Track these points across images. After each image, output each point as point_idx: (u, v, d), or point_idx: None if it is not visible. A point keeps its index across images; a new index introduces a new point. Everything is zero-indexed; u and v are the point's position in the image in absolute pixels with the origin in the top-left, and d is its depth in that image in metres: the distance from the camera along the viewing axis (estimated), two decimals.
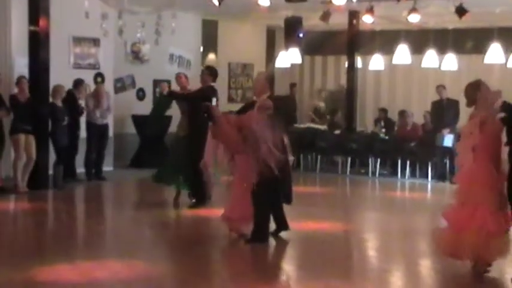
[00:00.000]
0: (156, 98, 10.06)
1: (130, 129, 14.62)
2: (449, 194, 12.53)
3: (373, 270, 7.18)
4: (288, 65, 16.92)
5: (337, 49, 17.59)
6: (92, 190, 11.87)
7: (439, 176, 13.52)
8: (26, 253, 7.35)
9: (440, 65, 15.64)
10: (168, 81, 15.53)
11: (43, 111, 11.25)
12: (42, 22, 11.22)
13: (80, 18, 11.99)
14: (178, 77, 10.54)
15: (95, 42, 13.52)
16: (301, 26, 15.16)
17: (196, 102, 9.22)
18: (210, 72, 10.00)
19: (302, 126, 16.76)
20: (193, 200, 9.80)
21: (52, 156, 11.56)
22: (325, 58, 19.72)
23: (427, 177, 13.56)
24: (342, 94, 16.96)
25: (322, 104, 17.91)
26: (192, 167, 9.19)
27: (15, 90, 11.24)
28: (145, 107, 15.25)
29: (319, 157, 14.80)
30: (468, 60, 16.62)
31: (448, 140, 13.32)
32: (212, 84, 9.80)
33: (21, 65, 11.68)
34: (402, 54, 15.24)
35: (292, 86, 17.74)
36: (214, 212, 9.03)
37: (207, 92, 9.57)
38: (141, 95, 15.36)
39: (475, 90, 6.83)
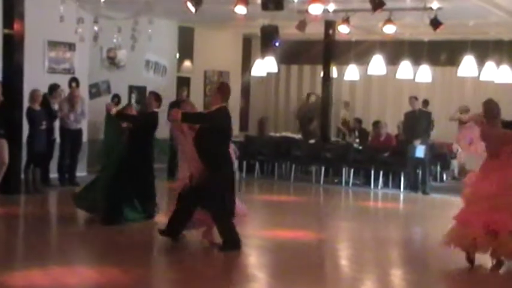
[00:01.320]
0: (104, 123, 9.20)
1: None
2: (421, 204, 12.70)
3: (345, 279, 7.22)
4: (264, 74, 16.97)
5: (313, 58, 17.71)
6: (65, 195, 11.76)
7: (411, 186, 13.65)
8: None
9: (414, 77, 15.82)
10: (144, 88, 15.56)
11: (16, 116, 11.14)
12: (17, 25, 11.13)
13: (55, 22, 11.90)
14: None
15: (70, 46, 13.45)
16: (278, 34, 15.21)
17: (139, 130, 9.18)
18: (156, 97, 9.58)
19: (277, 135, 16.82)
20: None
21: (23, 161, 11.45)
22: (301, 67, 19.83)
23: (399, 187, 13.68)
24: (317, 103, 17.05)
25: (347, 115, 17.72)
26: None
27: None
28: None
29: (293, 166, 14.85)
30: (442, 72, 16.86)
31: (420, 151, 13.46)
32: (157, 110, 9.50)
33: None
34: (377, 64, 15.38)
35: (309, 95, 17.60)
36: None
37: (152, 120, 9.38)
38: (116, 100, 15.26)
39: (496, 106, 7.53)
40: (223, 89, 8.07)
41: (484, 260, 7.47)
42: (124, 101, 15.41)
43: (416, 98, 14.01)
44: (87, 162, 13.60)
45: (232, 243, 7.79)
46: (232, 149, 8.29)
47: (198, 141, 7.74)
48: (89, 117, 13.46)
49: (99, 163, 9.88)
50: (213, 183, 7.66)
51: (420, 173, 13.57)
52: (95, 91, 14.68)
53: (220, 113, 7.83)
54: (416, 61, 15.74)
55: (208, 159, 7.69)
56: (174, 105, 8.59)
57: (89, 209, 9.38)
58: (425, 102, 15.21)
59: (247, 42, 19.15)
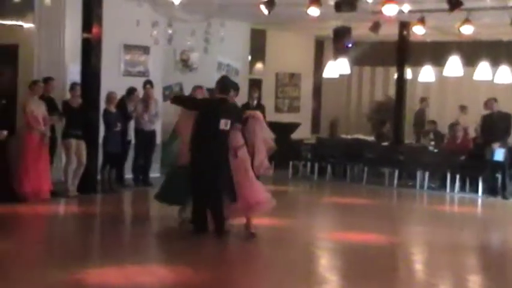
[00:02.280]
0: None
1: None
2: (500, 209, 12.31)
3: (419, 284, 7.06)
4: (336, 75, 16.86)
5: (386, 60, 17.46)
6: (140, 195, 12.00)
7: (490, 190, 13.23)
8: (75, 256, 7.47)
9: (493, 78, 15.37)
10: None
11: (94, 117, 11.44)
12: (95, 29, 11.42)
13: (131, 26, 12.17)
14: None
15: (145, 50, 13.70)
16: (350, 36, 15.08)
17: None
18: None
19: (349, 137, 16.65)
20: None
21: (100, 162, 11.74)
22: (373, 69, 19.60)
23: (477, 191, 13.29)
24: (390, 105, 16.80)
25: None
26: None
27: (68, 96, 11.46)
28: None
29: (366, 168, 14.67)
30: None
31: (499, 154, 13.05)
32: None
33: (74, 72, 11.90)
34: (453, 66, 15.03)
35: (422, 100, 16.97)
36: (262, 220, 9.03)
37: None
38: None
39: None
40: (218, 82, 8.95)
41: None
42: None
43: (495, 100, 13.59)
44: (161, 163, 13.82)
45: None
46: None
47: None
48: (162, 119, 13.67)
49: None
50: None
51: (500, 177, 13.15)
52: (169, 93, 14.90)
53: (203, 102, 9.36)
54: (495, 62, 15.28)
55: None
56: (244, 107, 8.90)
57: (175, 202, 9.25)
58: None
59: (319, 44, 19.07)
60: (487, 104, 13.63)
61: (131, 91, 12.29)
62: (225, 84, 8.88)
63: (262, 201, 8.46)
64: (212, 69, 15.71)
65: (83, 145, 11.14)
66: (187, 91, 15.33)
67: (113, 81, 12.28)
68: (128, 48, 13.48)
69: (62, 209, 10.59)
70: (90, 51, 11.46)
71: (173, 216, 9.09)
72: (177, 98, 9.50)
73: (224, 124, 8.35)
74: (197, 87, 11.08)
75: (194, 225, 8.52)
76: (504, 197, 12.97)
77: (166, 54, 14.32)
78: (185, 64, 15.20)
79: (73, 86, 11.36)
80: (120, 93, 12.15)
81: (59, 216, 10.29)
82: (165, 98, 14.59)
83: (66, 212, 10.57)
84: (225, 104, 8.61)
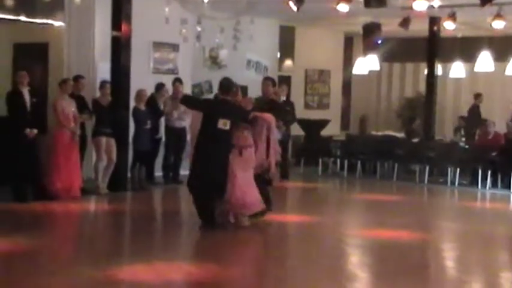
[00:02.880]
0: None
1: None
2: None
3: (451, 281, 6.98)
4: (366, 72, 16.76)
5: (416, 56, 17.30)
6: (170, 193, 12.06)
7: None
8: (106, 253, 7.54)
9: None
10: (245, 87, 15.68)
11: (123, 115, 11.51)
12: (124, 27, 11.49)
13: (160, 24, 12.19)
14: None
15: (174, 47, 13.75)
16: (380, 32, 14.96)
17: None
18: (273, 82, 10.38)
19: (379, 133, 16.55)
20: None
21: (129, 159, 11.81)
22: (403, 65, 19.44)
23: (509, 188, 13.10)
24: (420, 102, 16.65)
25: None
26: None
27: (98, 94, 11.55)
28: None
29: (396, 165, 14.55)
30: None
31: None
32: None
33: (103, 70, 11.98)
34: (485, 61, 14.85)
35: (477, 96, 16.20)
36: (289, 217, 9.00)
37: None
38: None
39: None
40: (220, 83, 9.21)
41: None
42: None
43: None
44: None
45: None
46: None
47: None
48: (190, 117, 13.69)
49: None
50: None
51: None
52: (198, 91, 14.95)
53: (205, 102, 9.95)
54: None
55: None
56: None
57: None
58: None
59: (348, 40, 18.97)
60: None
61: (160, 87, 12.33)
62: (225, 84, 9.10)
63: (248, 205, 8.69)
64: (241, 67, 15.72)
65: (113, 143, 11.22)
66: (216, 89, 15.36)
67: (142, 79, 12.35)
68: (157, 45, 13.54)
69: (92, 207, 10.68)
70: (120, 49, 11.53)
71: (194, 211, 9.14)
72: (184, 98, 9.88)
73: (223, 124, 8.60)
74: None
75: (201, 220, 8.75)
76: None
77: (195, 52, 14.35)
78: (214, 61, 15.22)
79: (103, 84, 11.45)
80: (150, 91, 12.21)
81: (90, 214, 10.39)
82: (194, 95, 14.63)
83: (96, 209, 10.66)
84: (226, 104, 8.86)
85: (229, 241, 8.40)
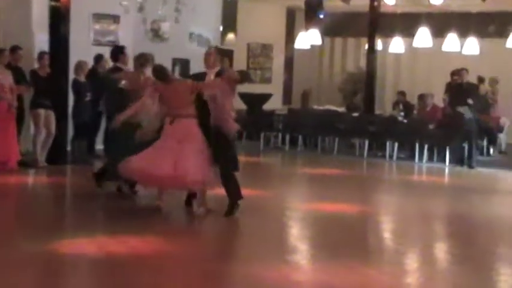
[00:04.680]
0: None
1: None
2: (467, 178, 12.51)
3: (388, 252, 7.18)
4: (308, 46, 16.86)
5: (358, 31, 17.49)
6: None
7: (457, 160, 13.44)
8: (46, 226, 7.43)
9: (461, 49, 15.50)
10: (187, 60, 15.59)
11: (63, 87, 11.30)
12: None
13: None
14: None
15: (115, 19, 13.52)
16: (322, 6, 15.06)
17: None
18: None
19: (321, 108, 16.73)
20: None
21: (71, 132, 11.64)
22: (345, 40, 19.62)
23: (444, 161, 13.49)
24: (362, 76, 16.88)
25: None
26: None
27: (36, 65, 11.29)
28: None
29: (337, 139, 14.76)
30: (490, 44, 16.47)
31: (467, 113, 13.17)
32: None
33: (42, 41, 11.72)
34: (423, 37, 15.13)
35: (480, 80, 15.57)
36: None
37: None
38: None
39: None
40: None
41: None
42: None
43: (467, 71, 13.70)
44: None
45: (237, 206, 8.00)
46: None
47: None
48: None
49: None
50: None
51: (467, 147, 13.35)
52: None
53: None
54: (464, 33, 15.40)
55: None
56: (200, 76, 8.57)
57: None
58: (481, 80, 14.92)
59: (291, 14, 19.02)
60: (460, 74, 13.75)
61: (99, 58, 12.14)
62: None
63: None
64: (184, 40, 15.57)
65: (51, 115, 11.01)
66: (158, 61, 15.17)
67: (82, 51, 12.11)
68: (97, 17, 13.29)
69: (30, 180, 10.50)
70: (59, 19, 11.28)
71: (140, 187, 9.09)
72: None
73: None
74: None
75: None
76: (470, 166, 13.18)
77: (137, 24, 14.14)
78: (156, 34, 15.03)
79: (41, 55, 11.19)
80: (91, 63, 12.00)
81: (28, 187, 10.21)
82: (135, 68, 14.43)
83: (35, 182, 10.49)
84: None
85: (173, 215, 8.40)
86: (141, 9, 12.21)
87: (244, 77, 8.51)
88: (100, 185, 9.10)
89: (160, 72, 8.28)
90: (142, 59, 9.00)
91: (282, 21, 18.78)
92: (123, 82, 8.79)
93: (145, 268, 5.98)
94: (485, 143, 15.08)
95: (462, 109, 13.22)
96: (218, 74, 8.13)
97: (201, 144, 7.89)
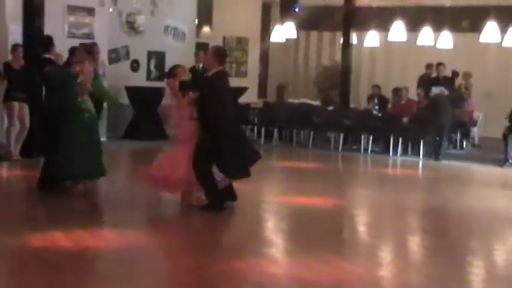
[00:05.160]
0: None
1: (124, 100, 14.58)
2: (440, 171, 12.65)
3: (363, 245, 7.24)
4: (283, 40, 16.88)
5: (333, 25, 17.56)
6: None
7: (430, 153, 13.58)
8: (19, 220, 7.39)
9: (435, 43, 15.63)
10: (163, 53, 15.55)
11: (37, 80, 11.19)
12: None
13: None
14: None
15: (90, 11, 13.42)
16: (297, 0, 15.10)
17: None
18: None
19: (296, 101, 16.77)
20: None
21: None
22: (320, 33, 19.68)
23: (419, 154, 13.63)
24: (337, 70, 16.95)
25: None
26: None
27: (10, 57, 11.17)
28: (139, 79, 15.22)
29: (312, 133, 14.82)
30: (464, 38, 16.64)
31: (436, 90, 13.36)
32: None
33: (15, 33, 11.59)
34: (398, 31, 15.23)
35: (454, 74, 15.47)
36: None
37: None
38: (135, 66, 15.31)
39: None
40: (219, 53, 8.10)
41: None
42: (143, 66, 15.45)
43: (444, 65, 13.85)
44: (107, 127, 13.67)
45: (216, 203, 7.91)
46: None
47: (201, 108, 7.84)
48: (108, 83, 13.47)
49: None
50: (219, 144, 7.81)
51: (439, 140, 13.51)
52: (114, 56, 14.70)
53: (217, 77, 7.95)
54: (438, 27, 15.54)
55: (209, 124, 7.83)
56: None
57: None
58: (455, 74, 15.10)
59: (266, 8, 19.02)
60: (438, 68, 13.88)
61: (73, 51, 12.02)
62: None
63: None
64: (159, 33, 15.52)
65: (25, 108, 10.91)
66: (133, 54, 15.17)
67: (57, 43, 11.98)
68: (72, 9, 13.19)
69: (4, 173, 10.40)
70: (33, 12, 11.18)
71: (113, 181, 9.06)
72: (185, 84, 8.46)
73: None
74: None
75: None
76: (437, 159, 13.33)
77: (112, 17, 14.06)
78: (131, 27, 14.97)
79: (15, 47, 11.08)
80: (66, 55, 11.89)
81: (2, 180, 10.12)
82: (110, 61, 14.38)
83: (9, 175, 10.41)
84: None
85: (149, 210, 8.39)
86: (116, 1, 12.12)
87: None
88: (47, 189, 8.58)
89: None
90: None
91: (257, 14, 18.77)
92: (81, 77, 8.58)
93: (120, 262, 5.98)
94: (458, 136, 15.26)
95: (438, 89, 13.38)
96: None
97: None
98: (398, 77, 17.65)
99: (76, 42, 12.70)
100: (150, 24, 14.95)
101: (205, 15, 17.18)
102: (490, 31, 14.46)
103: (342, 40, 15.82)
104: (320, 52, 19.81)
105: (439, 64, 13.91)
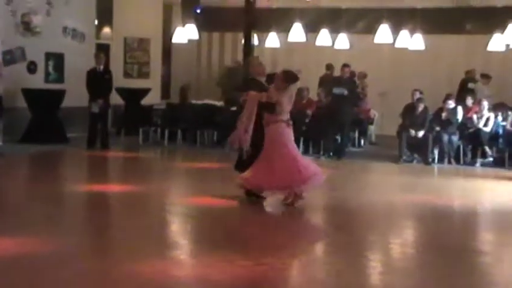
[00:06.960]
0: None
1: (21, 103, 14.15)
2: (339, 169, 12.98)
3: (266, 243, 7.31)
4: (185, 41, 16.86)
5: (234, 26, 17.69)
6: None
7: (330, 152, 13.90)
8: None
9: (333, 44, 16.04)
10: (61, 55, 15.19)
11: None
12: None
13: None
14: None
15: None
16: (198, 1, 15.10)
17: None
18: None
19: (199, 102, 16.78)
20: None
21: None
22: (222, 35, 19.77)
23: (319, 153, 13.93)
24: (239, 70, 17.07)
25: None
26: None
27: None
28: (36, 81, 14.81)
29: (215, 133, 14.87)
30: (360, 39, 17.18)
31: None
32: None
33: None
34: (297, 32, 15.51)
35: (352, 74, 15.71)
36: (110, 187, 8.90)
37: None
38: (32, 68, 14.87)
39: None
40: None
41: None
42: (40, 68, 15.03)
43: (349, 66, 14.22)
44: (3, 131, 13.22)
45: None
46: None
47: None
48: (4, 85, 13.04)
49: None
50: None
51: (339, 139, 13.87)
52: (9, 58, 14.21)
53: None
54: (335, 29, 15.96)
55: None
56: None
57: None
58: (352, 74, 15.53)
59: (167, 8, 18.92)
60: (342, 69, 14.24)
61: None
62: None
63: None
64: (57, 33, 15.15)
65: None
66: (30, 56, 14.72)
67: None
68: None
69: None
70: None
71: (17, 186, 8.78)
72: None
73: None
74: None
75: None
76: (340, 157, 13.70)
77: (6, 16, 13.59)
78: (27, 27, 14.52)
79: None
80: None
81: None
82: (5, 62, 13.90)
83: None
84: None
85: (47, 214, 8.19)
86: (9, 0, 11.72)
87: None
88: None
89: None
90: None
91: (159, 15, 18.65)
92: None
93: (18, 269, 5.81)
94: (356, 134, 15.73)
95: (338, 90, 13.73)
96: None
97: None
98: (301, 77, 17.92)
99: None
100: (47, 24, 14.56)
101: (105, 15, 16.92)
102: (384, 33, 15.00)
103: (243, 41, 15.95)
104: (223, 53, 19.90)
105: (345, 65, 14.28)
